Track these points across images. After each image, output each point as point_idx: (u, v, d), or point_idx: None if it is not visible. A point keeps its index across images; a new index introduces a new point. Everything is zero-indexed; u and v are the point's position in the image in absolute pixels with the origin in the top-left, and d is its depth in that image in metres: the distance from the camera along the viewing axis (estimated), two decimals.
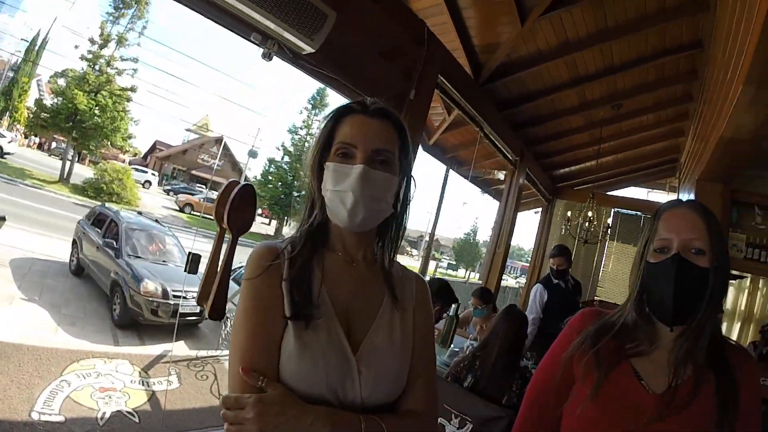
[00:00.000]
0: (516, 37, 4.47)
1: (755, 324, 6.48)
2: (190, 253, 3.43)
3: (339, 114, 1.16)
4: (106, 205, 11.42)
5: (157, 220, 11.07)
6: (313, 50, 2.50)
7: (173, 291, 7.78)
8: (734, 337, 6.79)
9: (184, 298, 7.63)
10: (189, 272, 3.38)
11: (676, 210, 1.24)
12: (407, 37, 3.49)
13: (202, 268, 2.51)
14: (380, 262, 1.20)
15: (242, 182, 2.29)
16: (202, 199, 29.20)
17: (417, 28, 3.59)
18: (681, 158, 7.79)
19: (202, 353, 4.90)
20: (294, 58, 2.63)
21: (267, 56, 2.49)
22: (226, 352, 5.19)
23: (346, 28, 2.74)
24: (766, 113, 3.29)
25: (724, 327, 6.29)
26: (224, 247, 2.33)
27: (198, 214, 27.77)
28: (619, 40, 4.75)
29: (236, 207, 2.19)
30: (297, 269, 1.09)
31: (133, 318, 7.70)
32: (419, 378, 1.15)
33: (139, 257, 8.81)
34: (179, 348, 7.20)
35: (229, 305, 6.87)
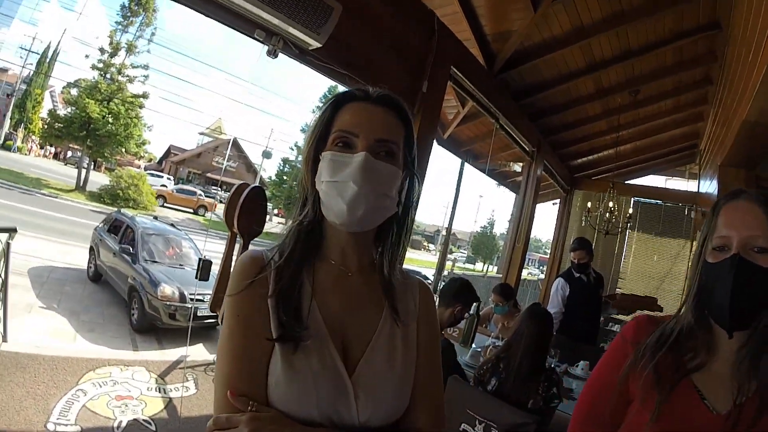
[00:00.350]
0: (529, 24, 4.35)
1: None
2: (200, 259, 3.38)
3: (338, 101, 1.03)
4: (122, 211, 11.43)
5: (172, 224, 11.09)
6: (319, 45, 2.41)
7: (190, 294, 7.75)
8: None
9: (202, 300, 7.56)
10: (200, 279, 3.31)
11: (736, 203, 1.09)
12: (417, 28, 3.39)
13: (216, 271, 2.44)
14: (379, 270, 1.06)
15: (252, 184, 2.20)
16: (174, 191, 28.79)
17: (426, 18, 3.48)
18: (701, 144, 7.64)
19: None
20: (300, 54, 2.53)
21: (272, 53, 2.40)
22: None
23: (353, 21, 2.65)
24: None
25: None
26: (237, 248, 2.26)
27: (171, 206, 27.24)
28: (635, 22, 4.60)
29: (246, 210, 2.10)
30: (284, 283, 0.96)
31: (152, 322, 7.67)
32: (425, 395, 1.04)
33: (156, 262, 8.79)
34: (198, 351, 7.17)
35: None
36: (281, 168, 30.53)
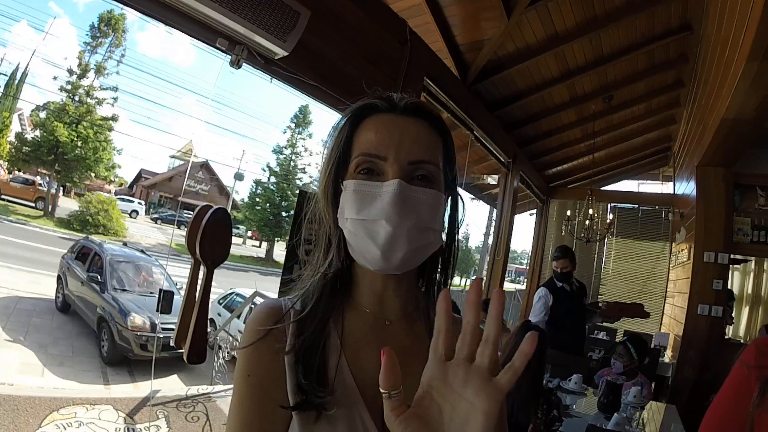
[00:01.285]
0: (502, 33, 4.28)
1: (765, 306, 6.47)
2: (160, 290, 3.18)
3: (356, 116, 0.83)
4: (90, 237, 11.11)
5: (142, 250, 10.84)
6: (286, 53, 2.24)
7: (162, 323, 7.40)
8: (744, 321, 6.68)
9: (174, 330, 7.30)
10: (162, 312, 3.11)
11: None
12: (389, 38, 3.27)
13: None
14: (424, 313, 0.87)
15: (216, 206, 2.02)
16: (9, 180, 24.71)
17: (399, 28, 3.37)
18: (674, 146, 7.71)
19: (192, 391, 4.53)
20: (266, 64, 2.37)
21: (235, 63, 2.23)
22: (218, 388, 4.84)
23: (321, 29, 2.51)
24: None
25: (733, 312, 6.21)
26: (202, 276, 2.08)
27: (7, 198, 23.63)
28: (607, 28, 4.60)
29: (209, 235, 1.90)
30: (306, 336, 0.77)
31: (123, 354, 7.39)
32: None
33: (126, 290, 8.53)
34: (173, 383, 6.90)
35: (222, 333, 6.48)
36: (254, 190, 30.12)
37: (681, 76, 6.05)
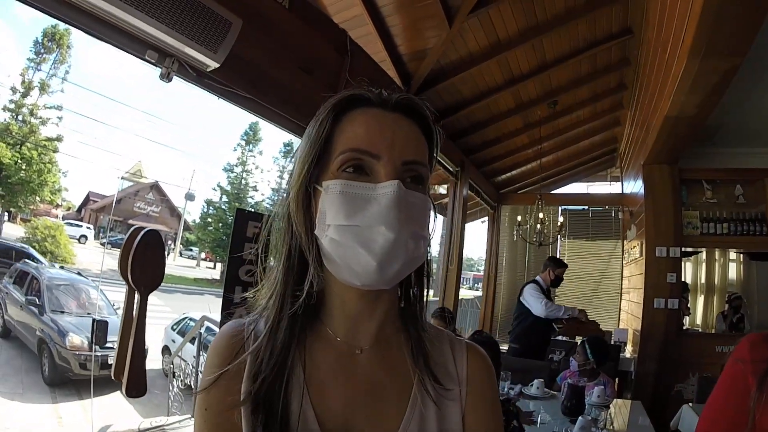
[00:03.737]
0: (445, 41, 4.27)
1: (718, 294, 6.63)
2: (94, 320, 3.01)
3: (340, 108, 0.72)
4: (26, 260, 10.88)
5: (79, 273, 10.72)
6: (217, 64, 2.15)
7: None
8: (701, 309, 6.86)
9: (113, 348, 7.08)
10: (96, 344, 2.94)
11: None
12: (328, 48, 3.22)
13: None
14: (403, 335, 0.76)
15: (147, 228, 1.90)
16: None
17: (339, 38, 3.33)
18: (620, 147, 7.89)
19: (146, 424, 4.18)
20: (198, 76, 2.28)
21: (166, 77, 2.13)
22: (174, 419, 4.57)
23: (256, 40, 2.44)
24: (713, 84, 3.31)
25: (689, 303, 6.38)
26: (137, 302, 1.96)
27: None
28: (549, 34, 4.66)
29: (140, 259, 1.77)
30: (265, 378, 0.66)
31: (64, 374, 7.31)
32: None
33: (65, 312, 8.41)
34: (127, 411, 6.62)
35: (176, 360, 6.23)
36: (205, 210, 29.52)
37: (623, 79, 6.21)
